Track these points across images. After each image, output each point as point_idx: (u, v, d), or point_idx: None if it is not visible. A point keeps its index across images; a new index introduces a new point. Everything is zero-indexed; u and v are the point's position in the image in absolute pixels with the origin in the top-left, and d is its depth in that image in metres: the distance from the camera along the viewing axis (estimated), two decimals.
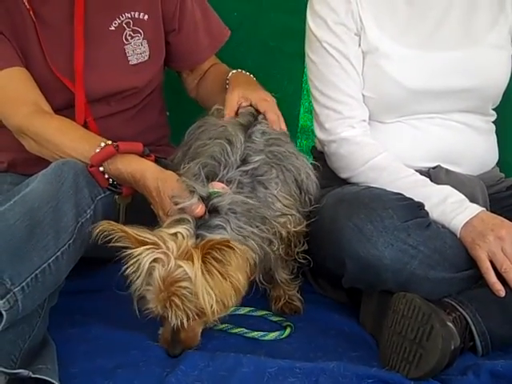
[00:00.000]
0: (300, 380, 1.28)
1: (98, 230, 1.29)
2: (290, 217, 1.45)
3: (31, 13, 1.62)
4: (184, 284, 1.28)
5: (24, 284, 1.28)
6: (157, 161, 1.56)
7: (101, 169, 1.48)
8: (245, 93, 1.63)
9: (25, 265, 1.30)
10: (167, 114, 1.98)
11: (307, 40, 1.72)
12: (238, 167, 1.40)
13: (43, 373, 1.20)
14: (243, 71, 1.76)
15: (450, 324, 1.30)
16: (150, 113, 1.84)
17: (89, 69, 1.65)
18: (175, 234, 1.31)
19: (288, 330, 1.47)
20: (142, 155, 1.51)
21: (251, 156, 1.42)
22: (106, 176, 1.49)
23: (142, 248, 1.30)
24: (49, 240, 1.35)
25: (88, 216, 1.44)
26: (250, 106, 1.58)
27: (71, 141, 1.53)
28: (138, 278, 1.31)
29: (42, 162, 1.54)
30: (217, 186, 1.37)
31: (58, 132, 1.55)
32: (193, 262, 1.27)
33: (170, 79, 1.97)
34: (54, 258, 1.35)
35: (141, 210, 1.50)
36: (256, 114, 1.54)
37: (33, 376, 1.18)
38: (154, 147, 1.79)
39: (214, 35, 1.85)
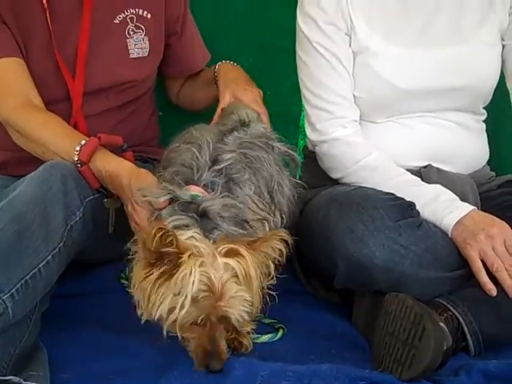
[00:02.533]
0: (292, 382, 1.27)
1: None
2: (265, 222, 1.40)
3: (44, 1, 1.64)
4: (235, 284, 1.23)
5: (14, 290, 1.27)
6: (135, 157, 1.59)
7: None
8: (236, 93, 1.67)
9: (14, 271, 1.29)
10: (159, 115, 1.99)
11: (298, 40, 1.71)
12: (209, 168, 1.36)
13: (34, 379, 1.19)
14: (229, 62, 1.81)
15: (442, 324, 1.30)
16: (142, 113, 1.86)
17: (91, 59, 1.68)
18: (191, 238, 1.25)
19: (280, 332, 1.46)
20: (121, 149, 1.53)
21: (221, 155, 1.38)
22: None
23: (187, 254, 1.22)
24: (38, 244, 1.35)
25: (77, 218, 1.44)
26: None
27: (53, 136, 1.55)
28: (192, 285, 1.20)
29: (33, 163, 1.54)
30: (194, 190, 1.34)
31: (41, 127, 1.56)
32: (241, 259, 1.23)
33: (162, 81, 1.98)
34: (44, 262, 1.35)
35: None
36: (245, 121, 1.51)
37: (24, 383, 1.17)
38: (144, 147, 1.80)
39: (204, 50, 1.94)
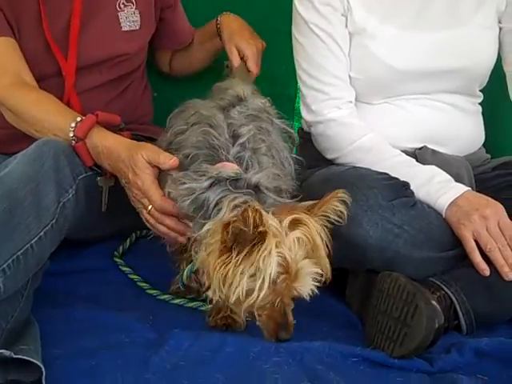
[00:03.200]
0: (284, 359, 1.27)
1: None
2: (288, 193, 1.39)
3: None
4: (307, 261, 1.23)
5: (5, 266, 1.27)
6: (132, 137, 1.57)
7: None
8: (239, 46, 1.76)
9: (5, 247, 1.29)
10: (154, 95, 1.98)
11: (294, 21, 1.70)
12: (233, 144, 1.33)
13: (25, 353, 1.18)
14: (231, 14, 1.84)
15: (434, 303, 1.30)
16: (135, 90, 1.85)
17: (83, 34, 1.67)
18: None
19: None
20: (119, 128, 1.52)
21: (238, 129, 1.35)
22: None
23: (270, 234, 1.19)
24: (30, 221, 1.34)
25: (70, 196, 1.43)
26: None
27: (46, 113, 1.54)
28: (270, 268, 1.19)
29: (25, 140, 1.53)
30: (229, 167, 1.30)
31: (33, 105, 1.56)
32: (304, 228, 1.22)
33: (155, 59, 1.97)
34: (36, 238, 1.34)
35: (124, 193, 1.49)
36: (242, 97, 1.48)
37: (15, 356, 1.17)
38: (136, 125, 1.79)
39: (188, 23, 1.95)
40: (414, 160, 1.60)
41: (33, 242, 1.33)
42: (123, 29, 1.74)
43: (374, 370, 1.29)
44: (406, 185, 1.49)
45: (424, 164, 1.60)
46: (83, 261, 1.67)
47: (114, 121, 1.56)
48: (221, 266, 1.21)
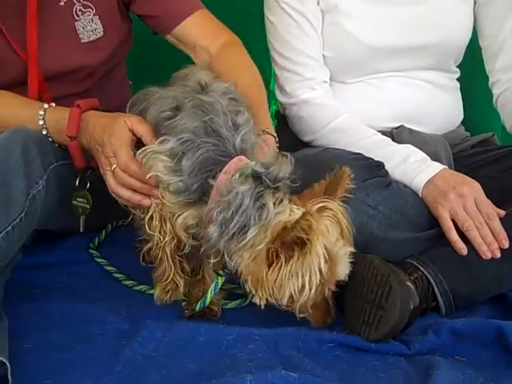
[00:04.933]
0: (259, 346, 1.25)
1: None
2: None
3: None
4: (343, 245, 1.23)
5: None
6: None
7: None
8: None
9: None
10: (130, 84, 1.94)
11: (265, 1, 1.68)
12: (237, 134, 1.26)
13: None
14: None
15: (409, 284, 1.28)
16: (113, 89, 1.75)
17: (42, 45, 1.58)
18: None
19: (249, 299, 1.44)
20: (98, 110, 1.46)
21: (235, 118, 1.28)
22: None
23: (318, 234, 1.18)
24: None
25: (40, 187, 1.40)
26: None
27: (12, 107, 1.49)
28: (319, 263, 1.19)
29: None
30: (244, 160, 1.24)
31: None
32: (330, 213, 1.22)
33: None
34: (3, 233, 1.31)
35: (101, 185, 1.45)
36: (204, 84, 1.36)
37: None
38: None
39: (184, 2, 1.70)
40: (389, 140, 1.57)
41: None
42: (82, 40, 1.62)
43: (350, 355, 1.27)
44: (380, 164, 1.47)
45: (401, 143, 1.57)
46: (58, 253, 1.63)
47: (95, 104, 1.48)
48: (271, 273, 1.19)
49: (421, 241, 1.44)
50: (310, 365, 1.22)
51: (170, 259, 1.33)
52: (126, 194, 1.35)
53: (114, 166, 1.34)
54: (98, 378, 1.19)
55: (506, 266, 1.40)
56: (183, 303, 1.41)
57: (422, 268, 1.37)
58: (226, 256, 1.22)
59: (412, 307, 1.26)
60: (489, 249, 1.39)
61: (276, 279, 1.19)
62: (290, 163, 1.25)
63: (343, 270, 1.25)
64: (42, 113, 1.46)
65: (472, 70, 1.76)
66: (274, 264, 1.18)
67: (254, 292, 1.22)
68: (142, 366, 1.22)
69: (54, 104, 1.47)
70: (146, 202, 1.33)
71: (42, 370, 1.21)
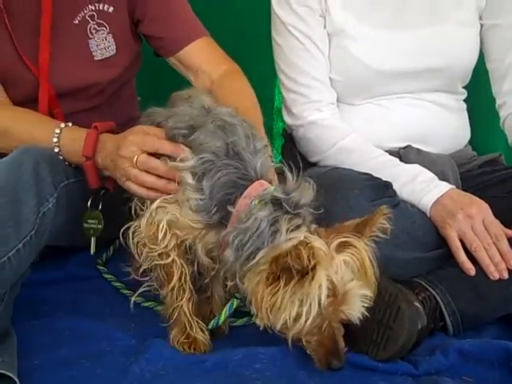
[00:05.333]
0: (265, 366, 1.26)
1: None
2: None
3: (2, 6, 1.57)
4: (356, 283, 1.18)
5: None
6: None
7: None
8: None
9: None
10: (139, 100, 1.95)
11: (272, 23, 1.69)
12: (256, 157, 1.25)
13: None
14: None
15: (416, 304, 1.28)
16: (122, 106, 1.78)
17: (54, 63, 1.60)
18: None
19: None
20: (114, 132, 1.47)
21: (256, 142, 1.26)
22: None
23: (321, 264, 1.14)
24: (9, 233, 1.31)
25: (50, 205, 1.41)
26: None
27: (26, 124, 1.50)
28: (319, 293, 1.15)
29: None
30: (265, 185, 1.23)
31: (11, 120, 1.52)
32: (354, 251, 1.17)
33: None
34: (14, 250, 1.31)
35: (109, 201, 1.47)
36: (208, 106, 1.36)
37: None
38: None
39: (191, 27, 1.72)
40: (397, 160, 1.58)
41: (10, 254, 1.31)
42: (95, 58, 1.64)
43: (357, 374, 1.27)
44: (388, 185, 1.47)
45: (408, 163, 1.58)
46: (66, 269, 1.65)
47: (111, 126, 1.50)
48: (268, 295, 1.17)
49: (428, 260, 1.44)
50: None
51: (188, 317, 1.31)
52: (149, 179, 1.33)
53: (137, 156, 1.32)
54: None
55: None
56: None
57: (429, 288, 1.37)
58: (237, 278, 1.22)
59: (420, 327, 1.26)
60: (496, 269, 1.39)
61: (273, 303, 1.17)
62: (313, 189, 1.23)
63: (352, 311, 1.20)
64: (57, 131, 1.47)
65: (479, 91, 1.77)
66: (272, 287, 1.17)
67: (255, 313, 1.21)
68: (150, 383, 1.22)
69: (70, 124, 1.48)
70: (172, 186, 1.31)
71: None
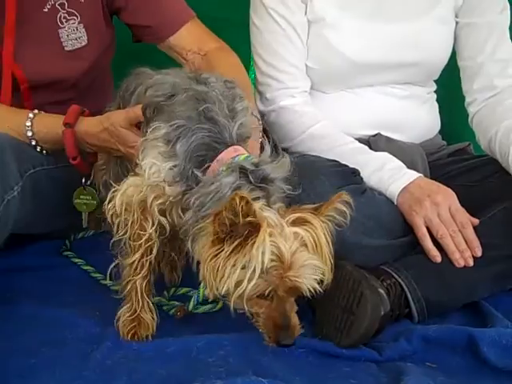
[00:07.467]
0: (229, 352, 1.25)
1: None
2: None
3: None
4: (305, 253, 1.16)
5: None
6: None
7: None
8: None
9: None
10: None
11: (252, 5, 1.67)
12: (234, 123, 1.23)
13: None
14: None
15: (380, 290, 1.28)
16: (96, 97, 1.71)
17: (23, 51, 1.57)
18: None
19: (221, 303, 1.42)
20: (82, 113, 1.47)
21: (235, 104, 1.25)
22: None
23: (264, 225, 1.12)
24: None
25: (15, 193, 1.39)
26: None
27: None
28: (262, 257, 1.12)
29: None
30: (240, 151, 1.21)
31: None
32: (309, 227, 1.16)
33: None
34: None
35: None
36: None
37: None
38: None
39: (178, 12, 1.68)
40: (366, 147, 1.58)
41: None
42: (66, 48, 1.60)
43: (321, 361, 1.27)
44: (355, 171, 1.47)
45: (378, 151, 1.58)
46: (30, 257, 1.62)
47: (78, 111, 1.48)
48: (211, 259, 1.15)
49: (395, 248, 1.44)
50: (281, 370, 1.21)
51: (139, 294, 1.30)
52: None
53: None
54: (66, 383, 1.18)
55: (478, 275, 1.40)
56: (171, 310, 1.40)
57: (395, 275, 1.37)
58: (189, 241, 1.21)
59: (383, 313, 1.26)
60: (462, 257, 1.40)
61: (217, 265, 1.14)
62: (288, 167, 1.23)
63: (300, 279, 1.16)
64: (31, 115, 1.47)
65: (450, 83, 1.77)
66: (216, 248, 1.15)
67: (202, 280, 1.18)
68: (111, 370, 1.20)
69: (36, 111, 1.49)
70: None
71: (8, 375, 1.20)
